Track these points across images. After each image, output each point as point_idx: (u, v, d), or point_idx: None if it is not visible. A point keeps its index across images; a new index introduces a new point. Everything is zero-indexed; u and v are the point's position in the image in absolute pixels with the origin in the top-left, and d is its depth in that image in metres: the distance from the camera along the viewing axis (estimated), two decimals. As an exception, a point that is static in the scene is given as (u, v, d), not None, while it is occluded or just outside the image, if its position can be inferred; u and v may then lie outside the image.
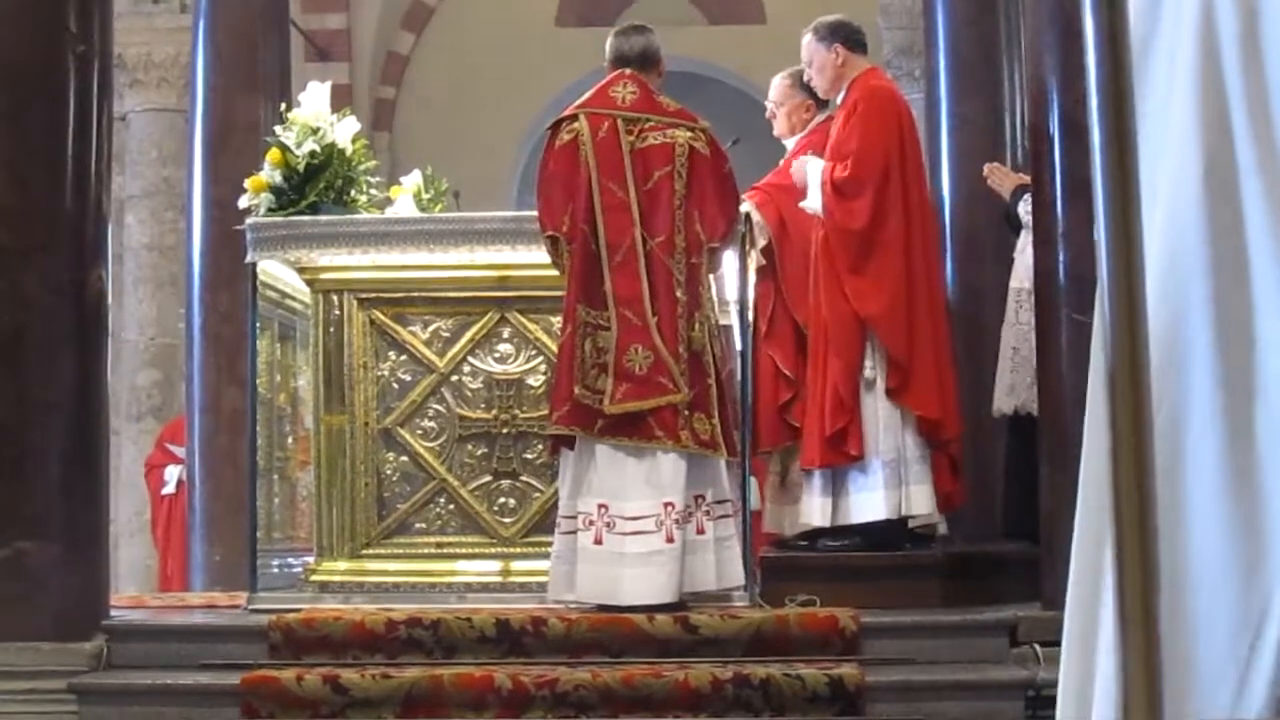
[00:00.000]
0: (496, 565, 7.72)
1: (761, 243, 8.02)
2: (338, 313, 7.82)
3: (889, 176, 7.39)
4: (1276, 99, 2.06)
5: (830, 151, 7.56)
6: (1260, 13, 2.07)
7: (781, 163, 8.21)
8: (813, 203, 7.52)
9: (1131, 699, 1.46)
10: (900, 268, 7.36)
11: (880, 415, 7.34)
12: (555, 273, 7.18)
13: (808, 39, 7.86)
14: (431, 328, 7.83)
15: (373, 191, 8.07)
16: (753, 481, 7.70)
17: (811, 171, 7.53)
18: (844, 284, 7.36)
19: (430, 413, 7.81)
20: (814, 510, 7.46)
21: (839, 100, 7.76)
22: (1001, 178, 8.50)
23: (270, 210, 7.70)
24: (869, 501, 7.34)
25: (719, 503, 7.01)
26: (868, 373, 7.35)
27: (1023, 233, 8.06)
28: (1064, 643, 2.32)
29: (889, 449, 7.31)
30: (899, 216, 7.38)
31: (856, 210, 7.37)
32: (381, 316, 7.83)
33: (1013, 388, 8.30)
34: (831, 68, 7.76)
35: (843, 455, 7.31)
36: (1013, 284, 8.33)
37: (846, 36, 7.79)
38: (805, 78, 8.06)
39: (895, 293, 7.33)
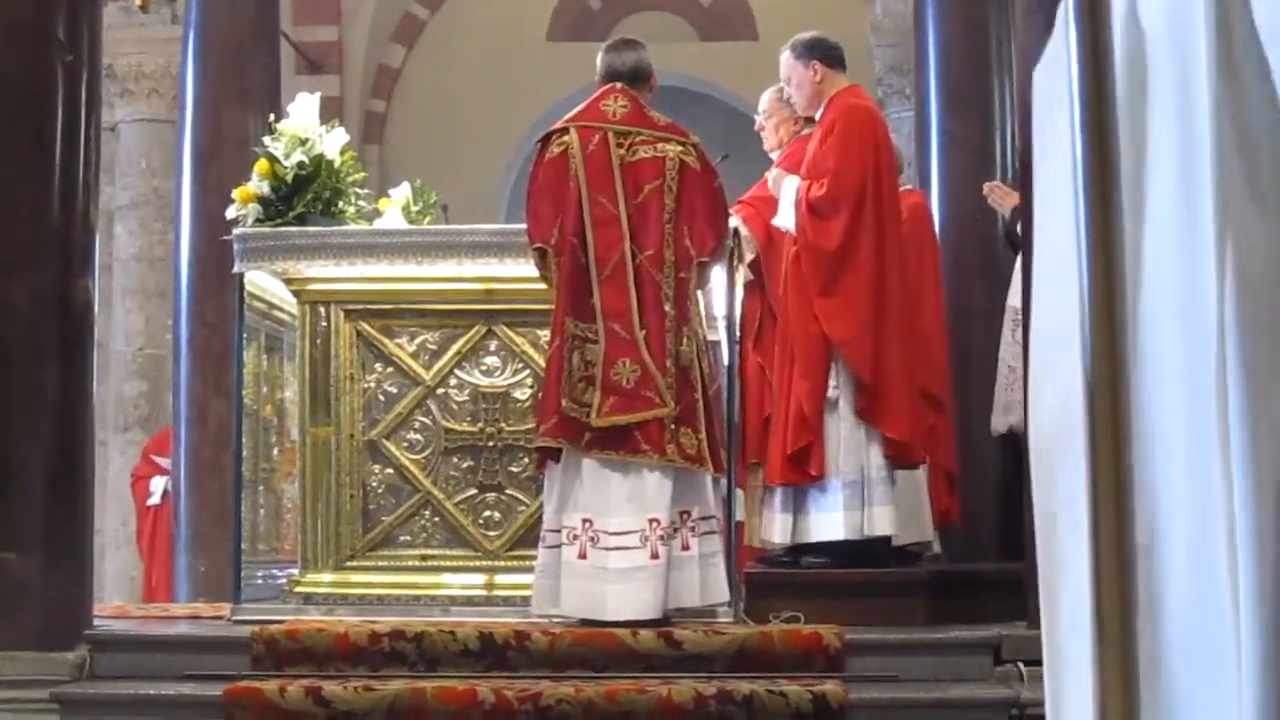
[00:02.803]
0: (481, 579, 7.71)
1: (749, 256, 8.03)
2: (324, 324, 7.81)
3: (864, 197, 7.39)
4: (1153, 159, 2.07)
5: (806, 169, 7.57)
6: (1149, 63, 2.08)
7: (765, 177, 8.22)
8: (784, 220, 7.53)
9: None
10: (870, 290, 7.35)
11: (842, 435, 7.34)
12: (543, 286, 7.18)
13: (785, 56, 7.86)
14: (418, 340, 7.82)
15: (361, 203, 8.06)
16: (738, 494, 7.69)
17: (786, 189, 7.54)
18: (814, 305, 7.37)
19: (416, 425, 7.80)
20: (774, 527, 7.48)
21: (818, 117, 7.76)
22: (1001, 196, 8.50)
23: (258, 221, 7.69)
24: (828, 522, 7.35)
25: (704, 519, 7.00)
26: (831, 393, 7.35)
27: (1021, 251, 8.06)
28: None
29: (850, 470, 7.31)
30: (872, 237, 7.38)
31: (831, 230, 7.37)
32: (368, 328, 7.82)
33: (1008, 406, 8.30)
34: (810, 85, 7.76)
35: (803, 474, 7.31)
36: (1010, 302, 8.32)
37: (824, 53, 7.78)
38: (785, 95, 8.07)
39: (863, 316, 7.33)
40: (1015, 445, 8.03)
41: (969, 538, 8.63)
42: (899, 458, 7.41)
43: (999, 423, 8.41)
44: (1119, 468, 1.43)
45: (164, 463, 12.33)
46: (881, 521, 7.34)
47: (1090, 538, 1.39)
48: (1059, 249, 2.26)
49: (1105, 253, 1.53)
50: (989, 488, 8.81)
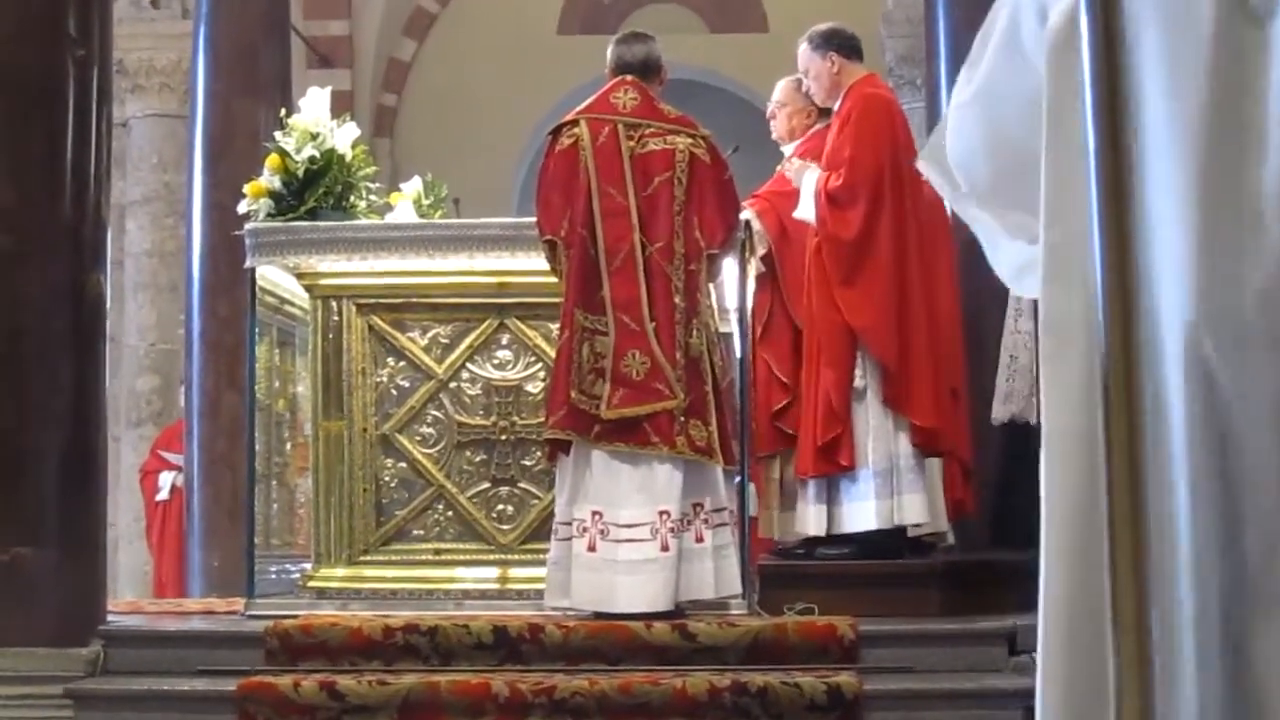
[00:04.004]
0: (494, 572, 7.71)
1: (761, 250, 8.02)
2: (336, 318, 7.81)
3: (882, 185, 7.39)
4: None
5: (825, 160, 7.57)
6: None
7: (779, 169, 8.21)
8: (805, 212, 7.52)
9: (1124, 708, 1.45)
10: (890, 277, 7.35)
11: (871, 425, 7.34)
12: (554, 279, 7.17)
13: (803, 48, 7.86)
14: (430, 334, 7.83)
15: (372, 197, 8.07)
16: (751, 487, 7.68)
17: (807, 181, 7.53)
18: (836, 295, 7.36)
19: (429, 419, 7.80)
20: (809, 519, 7.47)
21: (835, 108, 7.76)
22: None
23: (269, 216, 7.70)
24: (861, 511, 7.34)
25: (717, 510, 6.99)
26: (857, 382, 7.35)
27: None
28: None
29: (880, 458, 7.31)
30: (891, 226, 7.37)
31: (849, 220, 7.36)
32: (380, 322, 7.82)
33: (1009, 395, 8.28)
34: (827, 76, 7.75)
35: (834, 465, 7.31)
36: (1013, 291, 8.28)
37: (841, 44, 7.78)
38: (804, 87, 8.07)
39: (885, 303, 7.33)
40: (1017, 434, 8.02)
41: (983, 528, 8.62)
42: (926, 445, 7.41)
43: (1000, 411, 8.39)
44: (1134, 453, 1.42)
45: (172, 458, 12.35)
46: (911, 509, 7.34)
47: (1107, 526, 1.39)
48: (1073, 239, 2.24)
49: (1119, 243, 1.52)
50: (1003, 477, 8.79)
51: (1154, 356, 2.08)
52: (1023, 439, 8.10)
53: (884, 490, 7.31)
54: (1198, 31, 2.14)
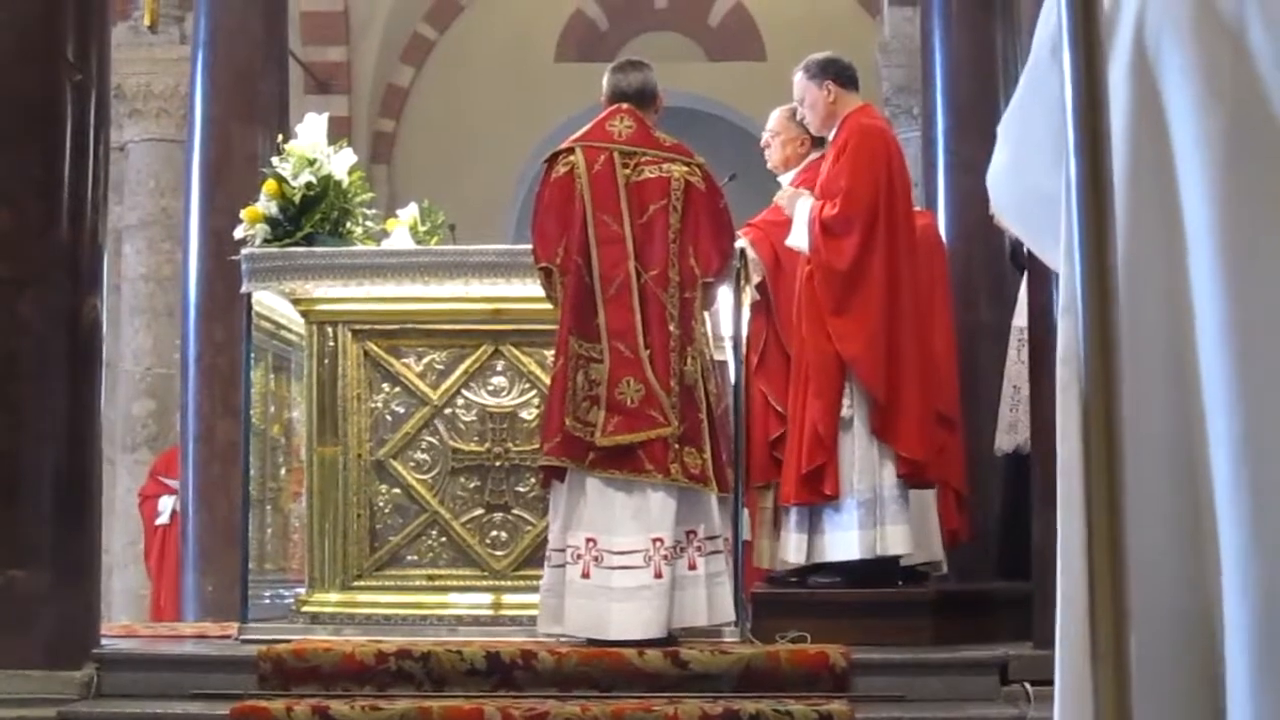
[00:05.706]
0: (488, 598, 7.71)
1: (756, 279, 8.04)
2: (332, 344, 7.82)
3: (876, 216, 7.41)
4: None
5: (820, 189, 7.59)
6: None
7: (775, 199, 8.23)
8: (798, 240, 7.54)
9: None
10: (882, 308, 7.36)
11: (856, 454, 7.35)
12: (549, 306, 7.19)
13: (799, 77, 7.89)
14: (425, 360, 7.83)
15: (368, 223, 8.08)
16: (744, 513, 7.69)
17: (800, 209, 7.55)
18: (827, 323, 7.38)
19: (423, 445, 7.81)
20: (790, 547, 7.49)
21: (830, 137, 7.79)
22: None
23: (266, 241, 7.71)
24: (843, 540, 7.35)
25: (710, 538, 7.00)
26: (845, 412, 7.36)
27: (1027, 272, 8.06)
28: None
29: (864, 488, 7.32)
30: (884, 256, 7.39)
31: (843, 249, 7.39)
32: (375, 348, 7.83)
33: (1013, 426, 8.30)
34: (823, 105, 7.78)
35: (818, 494, 7.32)
36: (1015, 322, 8.32)
37: (838, 73, 7.81)
38: (799, 116, 8.09)
39: (875, 333, 7.34)
40: (1021, 465, 8.03)
41: (976, 557, 8.63)
42: (912, 476, 7.41)
43: (1004, 442, 8.41)
44: (1112, 481, 1.44)
45: (171, 482, 12.35)
46: (895, 540, 7.35)
47: (1084, 550, 1.40)
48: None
49: (1100, 268, 1.54)
50: (996, 507, 8.81)
51: (1136, 377, 2.09)
52: (1023, 469, 8.12)
53: (867, 520, 7.32)
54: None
